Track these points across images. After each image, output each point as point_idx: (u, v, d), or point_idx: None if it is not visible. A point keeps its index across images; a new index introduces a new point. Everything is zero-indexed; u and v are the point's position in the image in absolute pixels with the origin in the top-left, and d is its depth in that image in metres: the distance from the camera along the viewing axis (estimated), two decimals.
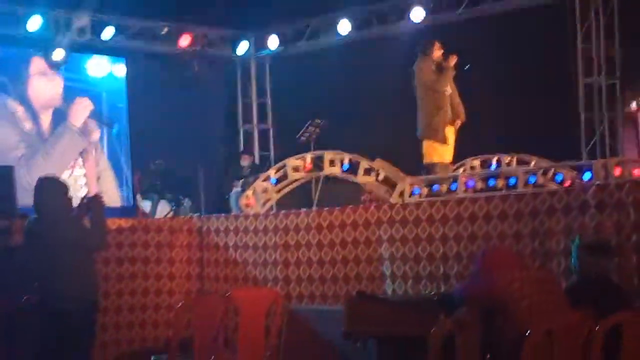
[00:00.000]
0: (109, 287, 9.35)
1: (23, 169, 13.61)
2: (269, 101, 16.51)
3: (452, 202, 7.99)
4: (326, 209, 8.91)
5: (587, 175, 8.37)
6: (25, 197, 7.77)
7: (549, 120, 12.40)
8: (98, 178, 14.92)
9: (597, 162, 8.86)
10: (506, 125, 12.42)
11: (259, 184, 10.10)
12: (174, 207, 13.12)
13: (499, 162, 10.49)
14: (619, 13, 12.54)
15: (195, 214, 11.02)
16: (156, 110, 14.86)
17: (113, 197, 14.87)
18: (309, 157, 9.93)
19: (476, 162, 10.69)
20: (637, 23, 12.27)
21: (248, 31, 15.83)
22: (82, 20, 13.77)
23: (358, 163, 9.47)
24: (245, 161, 14.22)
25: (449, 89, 10.35)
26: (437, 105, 10.14)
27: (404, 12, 14.17)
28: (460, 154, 10.55)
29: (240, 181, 13.38)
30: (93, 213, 7.11)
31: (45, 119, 14.60)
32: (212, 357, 6.90)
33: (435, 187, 9.11)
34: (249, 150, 15.68)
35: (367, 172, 9.44)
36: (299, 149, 11.09)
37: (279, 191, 10.12)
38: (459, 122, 10.39)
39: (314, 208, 9.50)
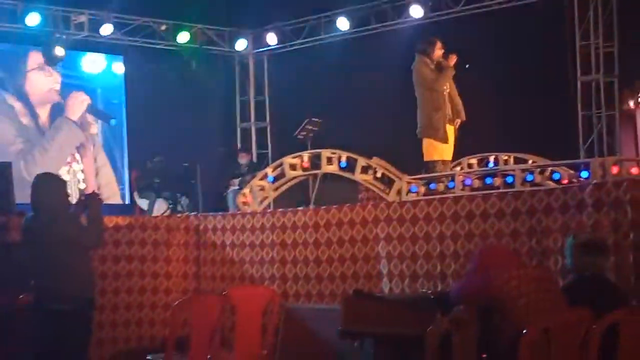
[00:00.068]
0: (105, 284, 9.34)
1: (21, 163, 13.65)
2: (266, 99, 16.50)
3: (450, 200, 7.97)
4: (323, 207, 8.88)
5: (584, 174, 8.35)
6: (23, 193, 7.74)
7: (546, 118, 12.41)
8: (96, 174, 14.93)
9: (594, 160, 8.84)
10: (504, 123, 12.43)
11: (257, 182, 10.08)
12: (171, 205, 13.12)
13: (496, 160, 10.49)
14: (617, 11, 12.55)
15: (193, 212, 11.01)
16: (154, 107, 14.87)
17: (112, 193, 14.88)
18: (306, 155, 9.91)
19: (473, 161, 10.68)
20: (635, 21, 12.28)
21: (246, 28, 15.82)
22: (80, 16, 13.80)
23: (355, 161, 9.46)
24: (242, 159, 14.22)
25: (448, 88, 10.33)
26: (436, 105, 10.11)
27: (403, 9, 14.18)
28: (458, 152, 10.53)
29: (238, 179, 13.38)
30: (90, 210, 7.09)
31: (43, 114, 14.62)
32: (209, 355, 6.88)
33: (433, 185, 9.10)
34: (246, 148, 15.68)
35: (365, 170, 9.43)
36: (297, 147, 11.08)
37: (276, 189, 10.10)
38: (458, 121, 10.36)
39: (311, 206, 9.49)
